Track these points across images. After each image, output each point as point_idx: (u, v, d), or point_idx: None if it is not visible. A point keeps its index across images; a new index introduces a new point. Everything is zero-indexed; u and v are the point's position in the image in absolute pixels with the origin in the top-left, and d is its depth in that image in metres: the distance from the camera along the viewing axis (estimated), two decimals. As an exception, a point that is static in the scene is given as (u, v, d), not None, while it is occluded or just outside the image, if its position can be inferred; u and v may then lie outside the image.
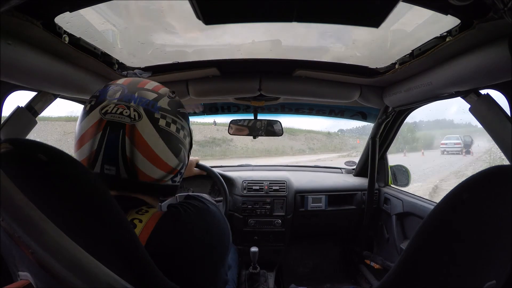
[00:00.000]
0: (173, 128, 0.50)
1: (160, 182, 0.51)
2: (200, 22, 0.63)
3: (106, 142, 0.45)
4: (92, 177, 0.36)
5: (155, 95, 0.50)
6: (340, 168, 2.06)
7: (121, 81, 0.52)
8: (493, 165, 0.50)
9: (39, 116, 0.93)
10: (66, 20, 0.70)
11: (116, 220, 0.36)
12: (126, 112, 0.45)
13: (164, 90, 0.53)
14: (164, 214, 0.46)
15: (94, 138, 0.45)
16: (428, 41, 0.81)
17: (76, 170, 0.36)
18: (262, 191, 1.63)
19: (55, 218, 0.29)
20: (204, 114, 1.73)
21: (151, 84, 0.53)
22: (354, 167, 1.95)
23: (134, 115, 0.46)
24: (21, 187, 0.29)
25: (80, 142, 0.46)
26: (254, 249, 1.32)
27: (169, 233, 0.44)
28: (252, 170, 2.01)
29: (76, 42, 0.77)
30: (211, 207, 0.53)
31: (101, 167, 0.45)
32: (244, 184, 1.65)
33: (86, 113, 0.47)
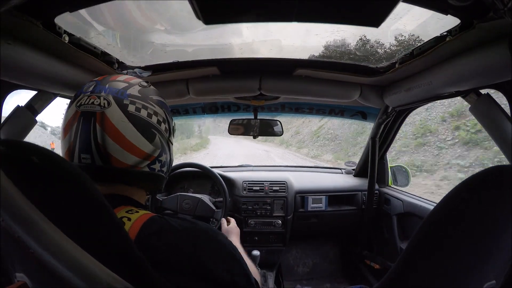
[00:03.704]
0: (143, 113, 0.51)
1: (135, 168, 0.51)
2: (200, 22, 0.63)
3: (80, 131, 0.47)
4: (82, 176, 0.37)
5: (125, 85, 0.52)
6: (340, 169, 2.07)
7: (96, 78, 0.54)
8: None
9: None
10: (66, 20, 0.70)
11: (107, 217, 0.37)
12: (97, 101, 0.48)
13: (136, 80, 0.55)
14: (152, 216, 0.46)
15: (71, 130, 0.48)
16: (428, 41, 0.81)
17: (66, 170, 0.37)
18: (262, 192, 1.63)
19: (50, 219, 0.30)
20: (204, 114, 1.73)
21: (123, 76, 0.55)
22: (354, 167, 1.95)
23: (104, 103, 0.48)
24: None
25: (63, 136, 0.50)
26: (256, 252, 1.32)
27: (155, 235, 0.43)
28: (252, 170, 2.01)
29: (76, 42, 0.77)
30: (208, 230, 0.49)
31: (78, 157, 0.48)
32: (244, 184, 1.65)
33: (66, 110, 0.51)
